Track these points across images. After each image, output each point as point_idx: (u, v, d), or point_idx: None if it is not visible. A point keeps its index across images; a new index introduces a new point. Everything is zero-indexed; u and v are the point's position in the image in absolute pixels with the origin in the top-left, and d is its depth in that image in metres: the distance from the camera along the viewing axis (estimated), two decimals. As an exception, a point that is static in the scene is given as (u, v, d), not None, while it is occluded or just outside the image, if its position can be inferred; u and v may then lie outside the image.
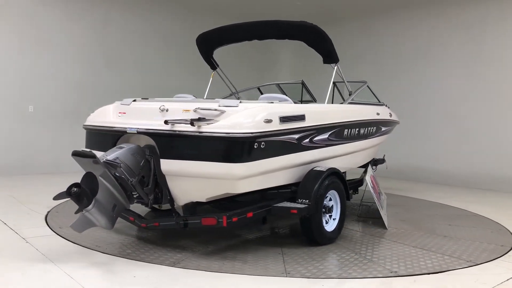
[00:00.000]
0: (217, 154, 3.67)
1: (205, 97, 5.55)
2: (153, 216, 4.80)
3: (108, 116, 4.47)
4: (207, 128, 3.70)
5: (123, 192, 3.66)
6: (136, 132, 4.00)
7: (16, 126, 8.60)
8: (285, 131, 4.06)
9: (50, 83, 9.02)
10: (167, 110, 4.02)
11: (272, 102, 4.25)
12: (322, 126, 4.62)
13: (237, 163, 3.66)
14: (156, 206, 4.43)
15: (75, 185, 3.50)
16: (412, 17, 9.96)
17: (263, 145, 3.78)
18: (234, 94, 6.22)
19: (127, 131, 4.07)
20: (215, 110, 3.83)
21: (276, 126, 3.93)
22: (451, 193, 7.99)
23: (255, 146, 3.71)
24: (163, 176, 3.92)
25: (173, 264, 3.71)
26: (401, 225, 5.36)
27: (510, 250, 4.43)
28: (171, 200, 4.03)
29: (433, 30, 9.62)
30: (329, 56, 5.10)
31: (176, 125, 3.81)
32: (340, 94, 6.29)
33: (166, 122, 3.83)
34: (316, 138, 4.51)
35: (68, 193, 3.46)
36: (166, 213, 4.47)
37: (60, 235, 4.48)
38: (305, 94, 6.55)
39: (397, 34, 10.19)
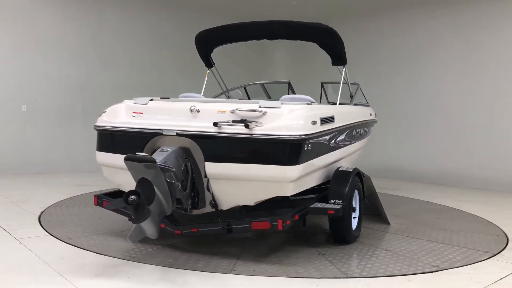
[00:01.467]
0: (271, 156, 3.64)
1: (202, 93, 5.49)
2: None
3: (120, 116, 4.20)
4: (259, 130, 3.61)
5: (170, 198, 3.45)
6: (175, 134, 3.77)
7: (9, 125, 8.53)
8: (323, 132, 4.12)
9: (43, 82, 8.96)
10: (198, 111, 3.85)
11: (311, 103, 4.28)
12: (343, 127, 4.74)
13: (290, 166, 3.63)
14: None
15: (132, 192, 3.17)
16: (407, 17, 9.99)
17: (310, 147, 3.81)
18: (225, 92, 6.20)
19: (164, 133, 3.81)
20: (256, 111, 3.72)
21: (318, 127, 3.98)
22: (444, 192, 8.03)
23: (304, 148, 3.73)
24: (201, 180, 3.80)
25: (168, 265, 3.68)
26: (394, 225, 5.38)
27: (503, 249, 4.46)
28: (215, 205, 3.87)
29: (428, 31, 9.66)
30: (340, 58, 5.11)
31: (224, 127, 3.66)
32: (325, 95, 6.28)
33: (215, 124, 3.66)
34: (338, 139, 4.60)
35: (125, 201, 3.15)
36: (198, 219, 4.16)
37: (53, 236, 4.44)
38: (285, 93, 6.50)
39: (392, 35, 10.22)
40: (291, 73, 11.63)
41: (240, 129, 3.61)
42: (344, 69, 5.16)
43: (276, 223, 3.67)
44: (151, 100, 4.23)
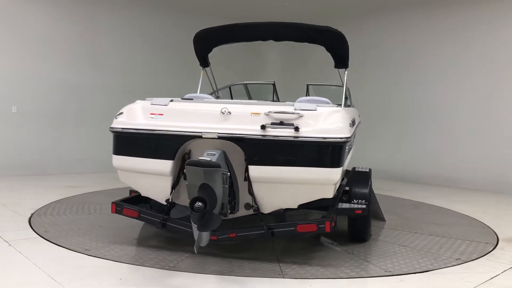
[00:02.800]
0: (317, 159, 3.64)
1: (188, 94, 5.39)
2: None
3: (137, 117, 3.98)
4: (306, 133, 3.60)
5: (221, 203, 3.38)
6: (216, 137, 3.64)
7: (-2, 127, 8.47)
8: (353, 134, 4.25)
9: (34, 83, 8.89)
10: (229, 113, 3.76)
11: (340, 105, 4.32)
12: (356, 129, 4.89)
13: (335, 168, 3.66)
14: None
15: (199, 199, 3.06)
16: (399, 20, 10.06)
17: (346, 149, 3.90)
18: (215, 92, 6.18)
19: (203, 136, 3.67)
20: (292, 113, 3.68)
21: (352, 130, 4.10)
22: (435, 192, 8.09)
23: (345, 150, 3.81)
24: (237, 183, 3.76)
25: (161, 267, 3.66)
26: (386, 225, 5.40)
27: (493, 248, 4.50)
28: (258, 209, 3.82)
29: (418, 32, 9.73)
30: (343, 62, 5.16)
31: (270, 129, 3.62)
32: (307, 96, 6.29)
33: (263, 127, 3.60)
34: (351, 141, 4.66)
35: (191, 208, 3.05)
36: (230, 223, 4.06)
37: (44, 238, 4.39)
38: (269, 94, 6.48)
39: (383, 36, 10.29)
40: (281, 74, 11.66)
41: (289, 132, 3.59)
42: (345, 72, 5.22)
43: (323, 225, 3.71)
44: (171, 101, 4.05)
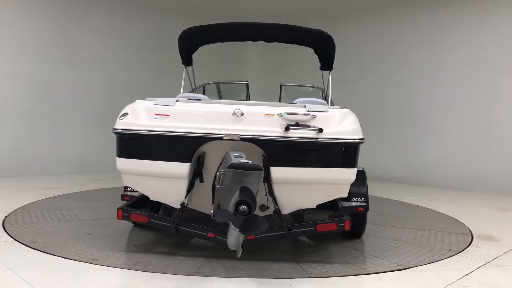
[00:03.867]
0: (338, 159, 3.71)
1: (181, 94, 5.29)
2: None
3: (141, 118, 3.81)
4: (328, 135, 3.64)
5: None
6: (238, 139, 3.59)
7: (-30, 127, 8.24)
8: None
9: (9, 82, 8.68)
10: (242, 114, 3.71)
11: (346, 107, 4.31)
12: None
13: (352, 168, 3.76)
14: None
15: (243, 202, 2.99)
16: (375, 21, 10.20)
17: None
18: (194, 91, 6.13)
19: (224, 138, 3.60)
20: (305, 115, 3.70)
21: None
22: (413, 191, 8.23)
23: (359, 150, 3.86)
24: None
25: (185, 272, 3.55)
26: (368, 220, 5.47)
27: (468, 245, 4.60)
28: (279, 210, 3.83)
29: (402, 36, 9.89)
30: (329, 64, 5.24)
31: (293, 131, 3.62)
32: (280, 96, 6.34)
33: (287, 128, 3.60)
34: None
35: (237, 211, 2.97)
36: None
37: (18, 241, 4.26)
38: (241, 94, 6.47)
39: (361, 37, 10.41)
40: (260, 75, 11.67)
41: (312, 133, 3.62)
42: (329, 74, 5.29)
43: (343, 224, 3.85)
44: (177, 101, 3.92)
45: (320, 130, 3.62)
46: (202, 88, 6.27)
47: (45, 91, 9.14)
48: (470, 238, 4.90)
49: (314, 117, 3.71)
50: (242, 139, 3.59)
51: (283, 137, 3.62)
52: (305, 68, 10.54)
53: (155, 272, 3.52)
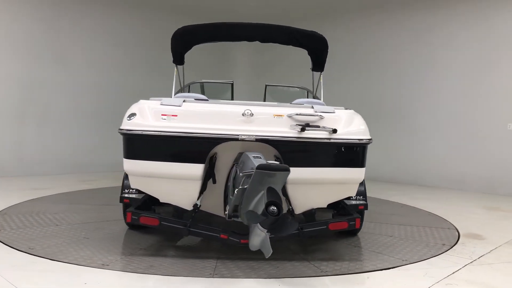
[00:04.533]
0: (350, 159, 3.83)
1: (173, 94, 5.23)
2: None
3: (148, 118, 3.72)
4: (340, 135, 3.73)
5: None
6: (254, 139, 3.61)
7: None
8: None
9: (-7, 81, 8.55)
10: (251, 115, 3.73)
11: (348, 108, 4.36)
12: None
13: (362, 168, 3.89)
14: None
15: (272, 203, 2.99)
16: (364, 21, 10.26)
17: None
18: (182, 90, 6.10)
19: (239, 139, 3.61)
20: (313, 115, 3.79)
21: None
22: (401, 190, 8.30)
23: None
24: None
25: (202, 275, 3.51)
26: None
27: (455, 244, 4.65)
28: (292, 210, 3.88)
29: (383, 33, 9.96)
30: (321, 65, 5.31)
31: (307, 131, 3.68)
32: (264, 96, 6.36)
33: (303, 129, 3.65)
34: None
35: (267, 211, 2.97)
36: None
37: (3, 242, 4.17)
38: (225, 94, 6.48)
39: (350, 37, 10.46)
40: (249, 75, 11.67)
41: (326, 134, 3.69)
42: (320, 75, 5.38)
43: (353, 222, 4.00)
44: (184, 101, 3.88)
45: (334, 131, 3.72)
46: (187, 87, 6.24)
47: (31, 90, 9.02)
48: (457, 237, 4.96)
49: (322, 117, 3.80)
50: (257, 140, 3.62)
51: (298, 137, 3.68)
52: (294, 68, 10.60)
53: (171, 275, 3.44)
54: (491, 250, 4.44)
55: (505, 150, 8.30)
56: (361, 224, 4.63)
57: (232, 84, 6.37)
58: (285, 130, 3.70)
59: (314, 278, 3.51)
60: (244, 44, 6.02)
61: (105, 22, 10.10)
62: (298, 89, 6.34)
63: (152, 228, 4.11)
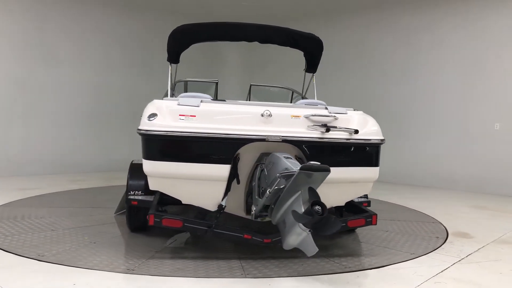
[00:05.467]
0: (368, 159, 3.99)
1: (169, 92, 5.12)
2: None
3: (167, 119, 3.66)
4: (360, 136, 3.88)
5: None
6: (280, 140, 3.67)
7: None
8: None
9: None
10: (270, 115, 3.78)
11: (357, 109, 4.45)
12: None
13: (378, 167, 4.06)
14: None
15: (316, 203, 3.07)
16: (355, 22, 10.32)
17: None
18: (174, 88, 6.08)
19: (267, 139, 3.64)
20: (328, 116, 3.91)
21: None
22: (391, 190, 8.36)
23: None
24: None
25: (232, 275, 3.50)
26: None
27: (443, 243, 4.70)
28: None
29: (373, 35, 10.02)
30: (314, 67, 5.47)
31: (332, 132, 3.79)
32: (248, 96, 6.38)
33: (328, 129, 3.76)
34: None
35: (314, 212, 3.03)
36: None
37: (20, 255, 3.85)
38: (208, 93, 6.44)
39: (340, 38, 10.51)
40: (241, 74, 11.66)
41: (347, 135, 3.84)
42: (313, 76, 5.58)
43: (370, 219, 4.15)
44: (201, 101, 3.85)
45: (356, 132, 3.86)
46: (174, 86, 6.21)
47: (18, 89, 8.92)
48: (445, 235, 5.01)
49: (336, 118, 3.93)
50: (284, 141, 3.67)
51: (323, 138, 3.79)
52: (284, 68, 10.62)
53: (204, 277, 3.44)
54: (478, 249, 4.50)
55: (493, 149, 8.41)
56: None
57: (217, 84, 6.37)
58: (304, 130, 3.79)
59: (342, 274, 3.59)
60: (234, 43, 6.02)
61: (94, 23, 10.01)
62: (283, 89, 6.42)
63: (151, 228, 4.16)
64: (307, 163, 3.14)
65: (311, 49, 5.31)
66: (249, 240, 3.76)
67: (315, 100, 4.76)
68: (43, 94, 9.25)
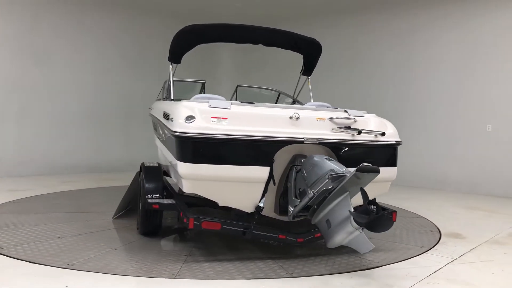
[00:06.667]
0: (389, 159, 4.20)
1: (172, 93, 5.09)
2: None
3: (202, 121, 3.65)
4: (385, 138, 4.09)
5: None
6: (317, 142, 3.84)
7: None
8: None
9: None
10: (297, 118, 3.89)
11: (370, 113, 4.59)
12: None
13: (396, 167, 4.25)
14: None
15: (370, 203, 3.25)
16: (347, 23, 10.35)
17: None
18: (170, 87, 6.07)
19: (305, 142, 3.80)
20: (348, 119, 4.10)
21: None
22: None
23: None
24: None
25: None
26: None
27: (436, 243, 4.73)
28: None
29: (365, 36, 10.06)
30: (311, 70, 5.64)
31: (363, 134, 3.96)
32: (234, 97, 6.39)
33: (360, 132, 3.92)
34: None
35: (369, 209, 3.20)
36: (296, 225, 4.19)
37: (49, 265, 3.72)
38: (194, 93, 6.41)
39: (332, 39, 10.52)
40: (235, 76, 11.65)
41: (376, 137, 4.08)
42: (308, 79, 5.76)
43: (391, 216, 4.29)
44: (231, 104, 3.91)
45: (383, 134, 4.06)
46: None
47: (10, 89, 8.83)
48: (438, 236, 5.04)
49: (356, 121, 4.11)
50: (320, 143, 3.84)
51: (354, 140, 3.98)
52: (279, 70, 10.63)
53: (253, 278, 3.47)
54: (471, 249, 4.53)
55: (484, 150, 8.46)
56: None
57: (204, 84, 6.37)
58: (329, 132, 3.95)
59: (336, 275, 3.62)
60: (228, 44, 6.06)
61: (86, 24, 9.94)
62: (270, 91, 6.54)
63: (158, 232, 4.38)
64: (362, 165, 3.24)
65: (311, 53, 5.45)
66: (284, 240, 3.88)
67: (322, 103, 4.86)
68: (36, 94, 9.17)
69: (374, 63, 9.91)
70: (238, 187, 3.73)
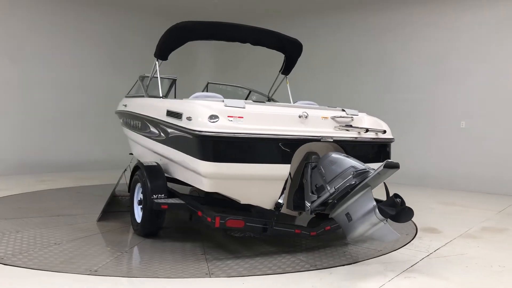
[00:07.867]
0: (387, 155, 4.48)
1: (160, 90, 5.07)
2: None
3: (223, 119, 3.69)
4: (382, 135, 4.40)
5: None
6: (332, 140, 4.04)
7: None
8: None
9: None
10: (306, 117, 4.06)
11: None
12: None
13: None
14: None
15: (396, 196, 3.53)
16: (326, 21, 10.43)
17: None
18: (148, 83, 6.01)
19: (321, 140, 3.97)
20: (346, 117, 4.32)
21: None
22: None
23: None
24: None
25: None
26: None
27: (413, 238, 4.84)
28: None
29: (344, 33, 10.16)
30: (290, 69, 5.81)
31: (369, 132, 4.26)
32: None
33: (367, 130, 4.22)
34: None
35: (395, 202, 3.48)
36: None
37: (40, 269, 3.57)
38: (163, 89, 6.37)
39: (311, 37, 10.59)
40: (213, 73, 11.61)
41: (379, 134, 4.36)
42: (286, 78, 5.94)
43: (411, 208, 4.37)
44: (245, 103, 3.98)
45: (384, 132, 4.37)
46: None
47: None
48: (415, 231, 5.15)
49: (353, 119, 4.35)
50: (335, 141, 4.07)
51: (361, 137, 4.23)
52: (255, 68, 10.65)
53: (284, 273, 3.58)
54: (446, 243, 4.64)
55: (459, 147, 8.67)
56: None
57: (175, 80, 6.37)
58: (332, 130, 4.14)
59: (314, 272, 3.66)
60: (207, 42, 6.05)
61: (62, 20, 9.76)
62: (240, 89, 6.61)
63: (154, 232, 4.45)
64: (387, 161, 3.44)
65: (292, 53, 5.59)
66: (299, 234, 4.07)
67: (309, 102, 5.01)
68: (8, 90, 8.94)
69: (349, 61, 10.02)
70: (260, 184, 3.83)
